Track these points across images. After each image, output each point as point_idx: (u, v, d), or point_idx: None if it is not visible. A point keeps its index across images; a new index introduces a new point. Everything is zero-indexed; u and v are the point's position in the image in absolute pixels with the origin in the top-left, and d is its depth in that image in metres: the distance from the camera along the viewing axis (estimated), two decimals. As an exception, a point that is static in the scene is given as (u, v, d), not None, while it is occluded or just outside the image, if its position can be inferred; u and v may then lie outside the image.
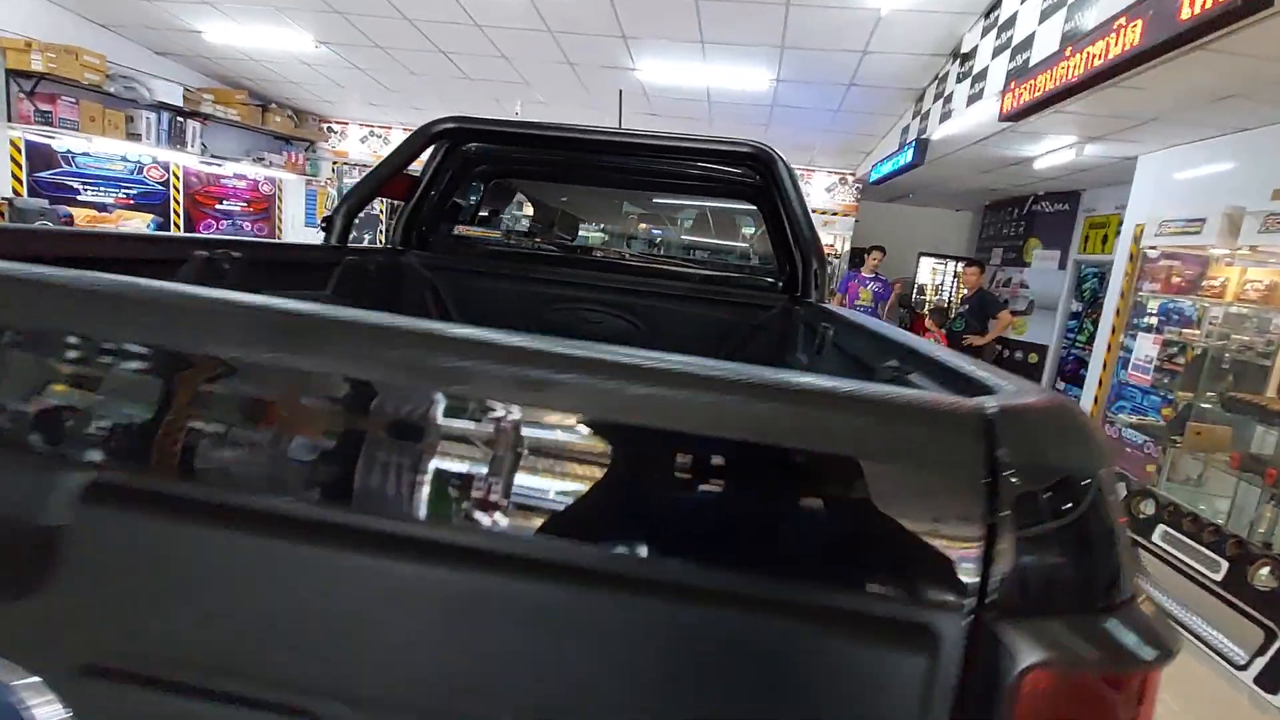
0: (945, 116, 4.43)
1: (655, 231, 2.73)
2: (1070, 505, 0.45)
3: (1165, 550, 2.97)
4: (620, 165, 2.42)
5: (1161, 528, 3.03)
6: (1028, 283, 7.34)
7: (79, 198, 6.23)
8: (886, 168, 5.88)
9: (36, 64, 5.40)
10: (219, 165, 7.45)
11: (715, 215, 2.69)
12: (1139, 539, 3.15)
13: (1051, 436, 0.47)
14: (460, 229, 2.48)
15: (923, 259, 10.03)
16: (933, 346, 0.83)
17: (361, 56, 6.16)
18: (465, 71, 6.21)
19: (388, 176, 2.13)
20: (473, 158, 2.47)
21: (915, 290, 10.29)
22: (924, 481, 0.46)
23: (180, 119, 6.78)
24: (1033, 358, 7.12)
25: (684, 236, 2.73)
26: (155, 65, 6.79)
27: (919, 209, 9.51)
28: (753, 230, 2.69)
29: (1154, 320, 4.17)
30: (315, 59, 6.37)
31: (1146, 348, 4.05)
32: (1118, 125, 4.09)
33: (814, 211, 7.79)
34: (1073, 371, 6.32)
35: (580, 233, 2.71)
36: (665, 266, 2.48)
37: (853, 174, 7.85)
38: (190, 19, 5.72)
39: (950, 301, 8.93)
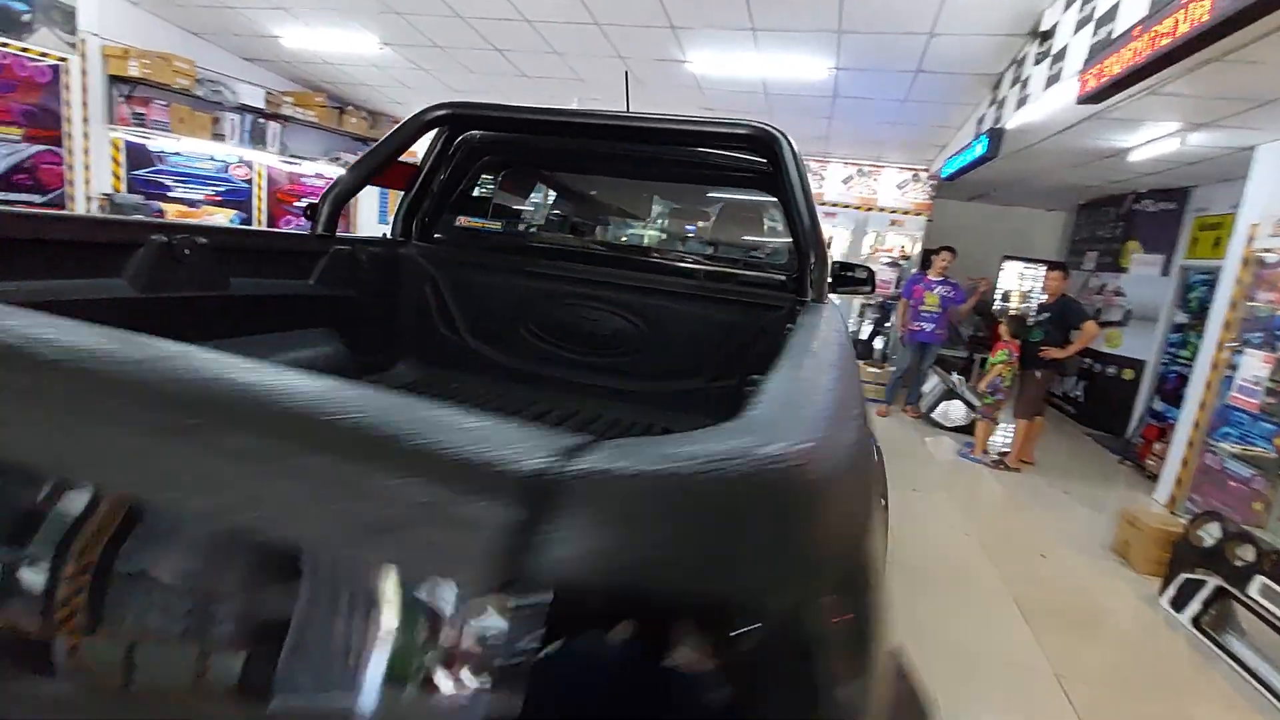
0: (1021, 102, 4.00)
1: (664, 225, 2.56)
2: (723, 671, 0.24)
3: (1263, 606, 2.51)
4: (625, 153, 2.28)
5: (1260, 580, 2.57)
6: (1124, 290, 6.60)
7: (170, 194, 6.71)
8: (958, 162, 5.41)
9: (133, 70, 5.85)
10: (298, 164, 7.86)
11: (729, 207, 2.50)
12: (1231, 589, 2.69)
13: (694, 528, 0.25)
14: (462, 220, 2.42)
15: (1007, 263, 9.29)
16: (800, 354, 0.63)
17: (423, 56, 6.30)
18: (522, 69, 6.23)
19: (378, 165, 2.09)
20: (477, 146, 2.40)
21: (1000, 297, 9.56)
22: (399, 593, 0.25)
23: (262, 120, 7.19)
24: (1128, 374, 6.40)
25: (694, 230, 2.55)
26: (243, 70, 7.23)
27: (1003, 208, 8.80)
28: (770, 223, 2.47)
29: (1266, 335, 3.60)
30: (382, 60, 6.58)
31: (1255, 367, 3.50)
32: (1229, 109, 3.56)
33: (881, 210, 7.37)
34: (1174, 390, 5.61)
35: (585, 225, 2.58)
36: (672, 262, 2.31)
37: (926, 169, 7.34)
38: (268, 24, 6.03)
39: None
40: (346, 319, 2.09)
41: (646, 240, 2.45)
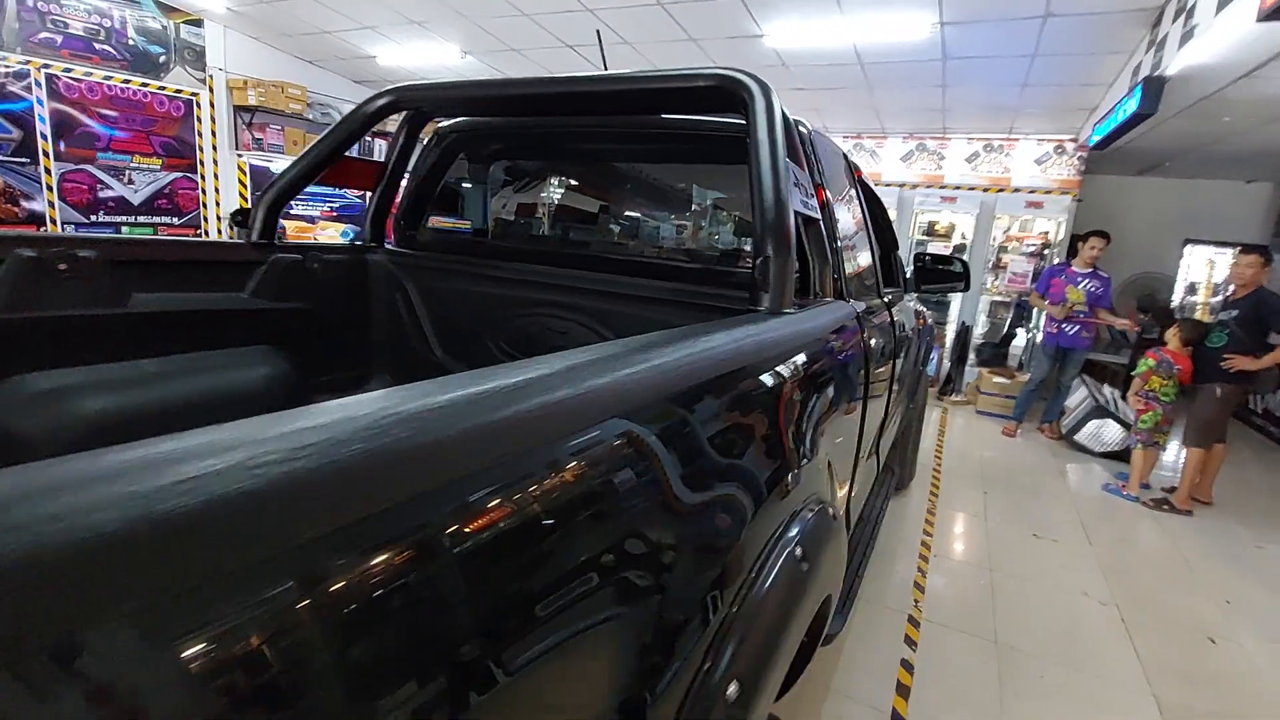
0: (1186, 37, 3.06)
1: (650, 214, 2.14)
2: None
3: None
4: (605, 131, 1.91)
5: None
6: (1360, 278, 5.06)
7: (291, 211, 7.24)
8: (1108, 125, 4.39)
9: (252, 99, 6.38)
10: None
11: (723, 187, 2.03)
12: None
13: None
14: (434, 221, 2.17)
15: (1191, 247, 7.65)
16: None
17: (503, 61, 6.28)
18: (597, 65, 5.99)
19: (319, 162, 1.88)
20: (450, 140, 2.15)
21: (1183, 291, 7.91)
22: None
23: (368, 138, 7.60)
24: (1365, 388, 4.88)
25: (685, 217, 2.11)
26: (355, 93, 7.69)
27: (1184, 182, 7.21)
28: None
29: None
30: (467, 69, 6.66)
31: None
32: None
33: (1015, 190, 6.27)
34: None
35: (563, 221, 2.23)
36: (653, 260, 1.90)
37: (1073, 139, 6.14)
38: (362, 44, 6.30)
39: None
40: (295, 335, 1.91)
41: (626, 234, 2.06)
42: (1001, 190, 6.40)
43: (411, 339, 2.13)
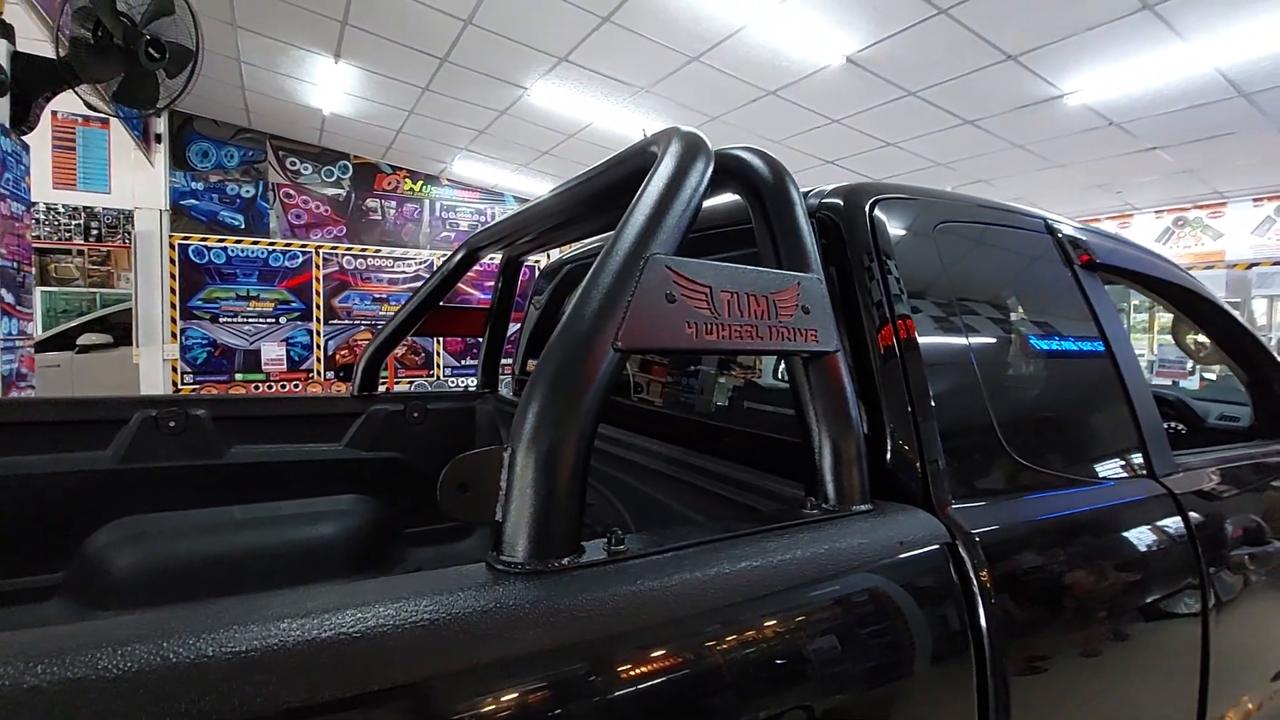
0: None
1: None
2: None
3: None
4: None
5: None
6: None
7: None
8: None
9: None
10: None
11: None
12: None
13: None
14: (531, 365, 2.04)
15: None
16: None
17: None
18: (854, 174, 5.51)
19: (414, 317, 1.95)
20: (558, 275, 2.07)
21: None
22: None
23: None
24: None
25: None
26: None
27: None
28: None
29: None
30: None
31: None
32: None
33: None
34: None
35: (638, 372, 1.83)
36: (712, 418, 1.37)
37: None
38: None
39: None
40: (389, 484, 1.93)
41: (702, 386, 1.54)
42: None
43: None
